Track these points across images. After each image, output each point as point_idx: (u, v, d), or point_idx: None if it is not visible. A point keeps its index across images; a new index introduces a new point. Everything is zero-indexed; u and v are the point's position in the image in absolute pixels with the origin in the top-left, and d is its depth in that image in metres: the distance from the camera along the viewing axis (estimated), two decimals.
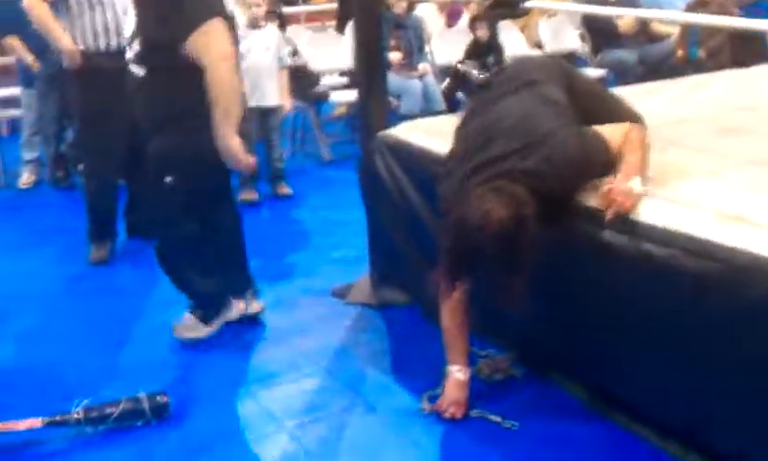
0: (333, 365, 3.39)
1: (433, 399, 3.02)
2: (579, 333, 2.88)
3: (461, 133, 2.99)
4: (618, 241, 2.65)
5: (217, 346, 3.58)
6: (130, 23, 3.46)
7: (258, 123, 5.60)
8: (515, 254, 2.59)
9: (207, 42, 3.17)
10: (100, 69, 4.42)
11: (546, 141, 2.73)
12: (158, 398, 2.98)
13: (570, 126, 2.83)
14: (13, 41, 5.89)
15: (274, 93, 5.59)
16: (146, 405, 2.95)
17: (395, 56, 6.65)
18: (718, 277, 2.36)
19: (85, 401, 2.92)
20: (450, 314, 2.97)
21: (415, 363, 3.33)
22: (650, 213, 2.63)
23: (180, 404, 3.09)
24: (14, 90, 6.69)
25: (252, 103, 5.51)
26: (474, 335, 3.09)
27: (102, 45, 4.48)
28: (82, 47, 4.47)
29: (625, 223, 2.63)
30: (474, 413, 2.94)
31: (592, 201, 2.75)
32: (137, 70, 3.34)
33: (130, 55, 3.38)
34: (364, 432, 2.93)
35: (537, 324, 2.96)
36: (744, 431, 2.41)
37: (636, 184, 2.68)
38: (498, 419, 2.89)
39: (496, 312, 2.91)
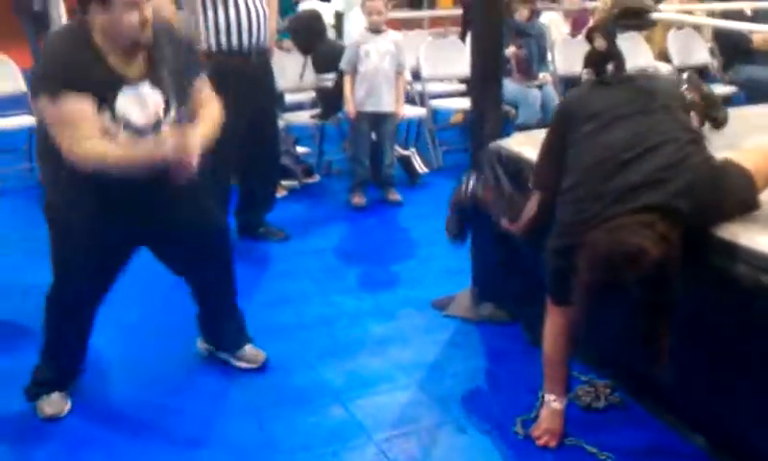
0: (427, 379, 3.33)
1: (527, 423, 2.92)
2: (696, 370, 2.70)
3: (588, 143, 2.76)
4: (744, 272, 2.48)
5: (312, 348, 3.58)
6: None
7: (371, 128, 5.59)
8: (660, 298, 2.42)
9: None
10: (220, 68, 4.43)
11: (692, 170, 2.56)
12: None
13: (713, 157, 2.67)
14: None
15: (389, 99, 5.56)
16: None
17: (513, 63, 6.53)
18: None
19: None
20: (554, 340, 2.85)
21: (510, 384, 3.24)
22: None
23: (266, 406, 3.11)
24: None
25: (368, 108, 5.51)
26: (575, 359, 2.97)
27: (224, 44, 4.48)
28: (204, 46, 4.46)
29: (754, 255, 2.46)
30: (569, 441, 2.83)
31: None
32: None
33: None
34: (453, 452, 2.86)
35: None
36: None
37: None
38: (594, 450, 2.77)
39: (602, 337, 2.78)
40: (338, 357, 3.50)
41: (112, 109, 2.77)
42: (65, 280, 3.00)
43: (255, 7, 4.53)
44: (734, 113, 3.90)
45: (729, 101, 6.86)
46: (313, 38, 6.28)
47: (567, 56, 7.10)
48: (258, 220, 5.00)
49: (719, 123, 3.67)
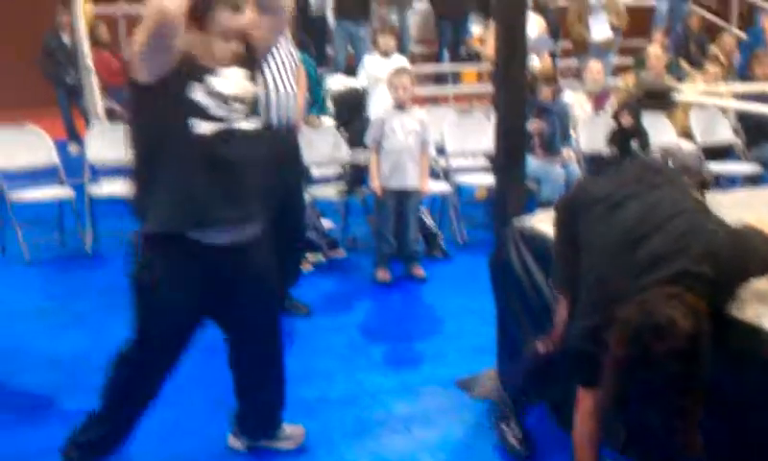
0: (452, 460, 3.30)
1: None
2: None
3: (601, 224, 2.76)
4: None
5: (335, 427, 3.56)
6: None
7: (396, 204, 5.63)
8: (691, 372, 2.37)
9: None
10: None
11: (709, 234, 2.55)
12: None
13: (728, 223, 2.67)
14: None
15: (414, 175, 5.61)
16: None
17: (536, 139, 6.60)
18: None
19: None
20: (583, 423, 2.82)
21: None
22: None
23: None
24: None
25: (393, 184, 5.57)
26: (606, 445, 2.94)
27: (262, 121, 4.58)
28: None
29: None
30: None
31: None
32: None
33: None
34: None
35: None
36: None
37: None
38: None
39: (635, 423, 2.75)
40: (362, 437, 3.48)
41: (200, 77, 2.77)
42: (146, 345, 2.93)
43: (284, 85, 4.63)
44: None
45: (754, 180, 6.88)
46: (353, 113, 6.42)
47: (591, 133, 7.15)
48: (283, 294, 5.02)
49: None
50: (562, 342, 3.00)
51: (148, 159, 2.79)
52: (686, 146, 7.30)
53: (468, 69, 10.54)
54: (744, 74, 8.32)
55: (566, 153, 6.85)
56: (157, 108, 2.72)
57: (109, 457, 3.10)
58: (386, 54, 7.50)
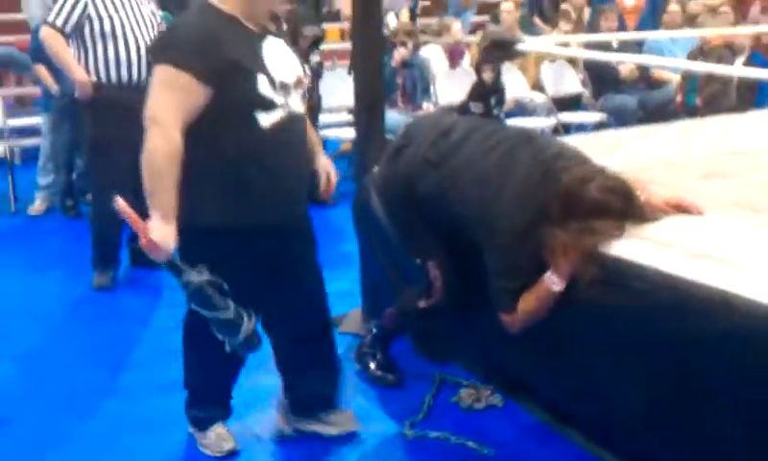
0: None
1: (415, 425, 3.13)
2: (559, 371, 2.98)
3: (461, 150, 2.98)
4: None
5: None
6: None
7: None
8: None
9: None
10: (111, 101, 4.57)
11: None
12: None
13: None
14: (41, 69, 6.05)
15: None
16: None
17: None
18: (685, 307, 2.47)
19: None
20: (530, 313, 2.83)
21: (399, 391, 3.45)
22: (626, 250, 2.73)
23: (173, 420, 3.22)
24: (29, 120, 6.96)
25: None
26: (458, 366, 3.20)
27: (114, 77, 4.63)
28: (94, 78, 4.61)
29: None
30: (454, 440, 3.04)
31: None
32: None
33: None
34: (348, 455, 3.05)
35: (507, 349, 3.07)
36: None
37: None
38: (475, 445, 3.00)
39: (478, 344, 3.01)
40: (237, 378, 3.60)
41: (262, 66, 2.65)
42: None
43: (141, 43, 4.67)
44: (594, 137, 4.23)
45: (600, 127, 7.34)
46: None
47: (447, 87, 7.44)
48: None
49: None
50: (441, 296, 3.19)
51: (205, 158, 2.64)
52: (539, 98, 7.71)
53: (331, 27, 10.65)
54: (593, 29, 8.77)
55: (426, 106, 7.12)
56: (218, 107, 2.59)
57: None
58: None
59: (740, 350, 2.32)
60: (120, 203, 2.54)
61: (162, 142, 2.54)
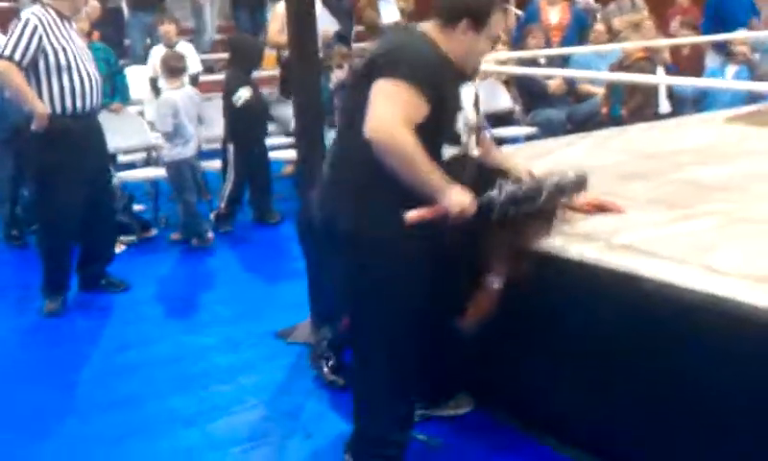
0: (275, 398, 3.66)
1: None
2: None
3: None
4: None
5: (162, 381, 3.83)
6: None
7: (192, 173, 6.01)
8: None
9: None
10: (64, 131, 4.68)
11: None
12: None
13: None
14: None
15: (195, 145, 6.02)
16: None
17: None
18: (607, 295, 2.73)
19: None
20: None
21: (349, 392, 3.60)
22: (553, 245, 2.99)
23: (127, 434, 3.34)
24: None
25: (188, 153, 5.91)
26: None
27: (69, 108, 4.71)
28: (49, 110, 4.68)
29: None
30: None
31: None
32: None
33: None
34: (302, 456, 3.21)
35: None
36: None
37: None
38: (425, 438, 3.18)
39: None
40: (189, 388, 3.76)
41: (458, 105, 2.77)
42: (396, 350, 2.84)
43: (91, 73, 4.80)
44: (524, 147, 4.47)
45: (531, 139, 7.62)
46: None
47: None
48: (100, 273, 5.17)
49: None
50: None
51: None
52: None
53: (268, 54, 10.80)
54: (520, 47, 9.07)
55: None
56: (420, 131, 2.64)
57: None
58: (169, 43, 7.56)
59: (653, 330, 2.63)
60: (411, 214, 2.64)
61: (404, 138, 2.60)
